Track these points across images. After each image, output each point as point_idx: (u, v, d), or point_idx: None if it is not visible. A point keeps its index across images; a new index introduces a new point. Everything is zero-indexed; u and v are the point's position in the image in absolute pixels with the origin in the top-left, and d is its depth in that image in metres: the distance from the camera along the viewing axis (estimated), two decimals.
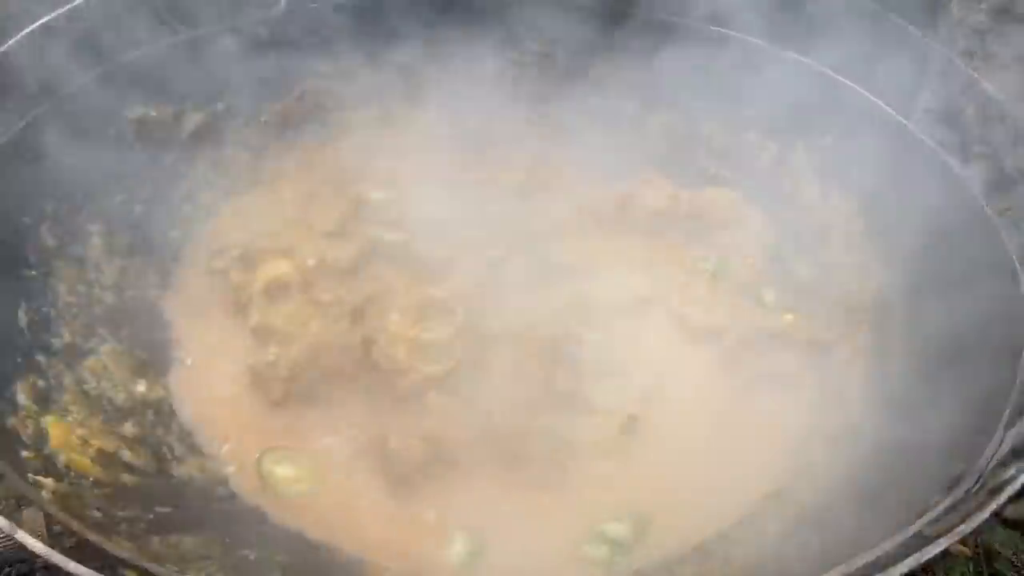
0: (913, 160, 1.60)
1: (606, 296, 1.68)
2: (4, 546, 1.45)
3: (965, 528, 0.96)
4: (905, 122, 1.64)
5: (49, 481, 1.15)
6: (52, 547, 0.97)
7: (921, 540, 0.99)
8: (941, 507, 1.05)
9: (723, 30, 1.82)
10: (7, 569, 1.42)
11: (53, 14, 1.55)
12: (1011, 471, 0.95)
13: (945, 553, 1.21)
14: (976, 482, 1.07)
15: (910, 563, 0.93)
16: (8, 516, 1.00)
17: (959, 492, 1.07)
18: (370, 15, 1.88)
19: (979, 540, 1.54)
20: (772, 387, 1.57)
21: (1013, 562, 1.53)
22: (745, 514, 1.38)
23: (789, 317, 1.69)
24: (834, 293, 1.70)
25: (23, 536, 0.98)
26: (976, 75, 1.55)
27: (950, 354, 1.37)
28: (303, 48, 1.85)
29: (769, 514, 1.38)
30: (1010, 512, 0.92)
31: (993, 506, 0.92)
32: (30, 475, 1.15)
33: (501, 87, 1.95)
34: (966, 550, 1.56)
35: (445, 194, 1.77)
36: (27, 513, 1.06)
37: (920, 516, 1.04)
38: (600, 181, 1.89)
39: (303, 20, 1.83)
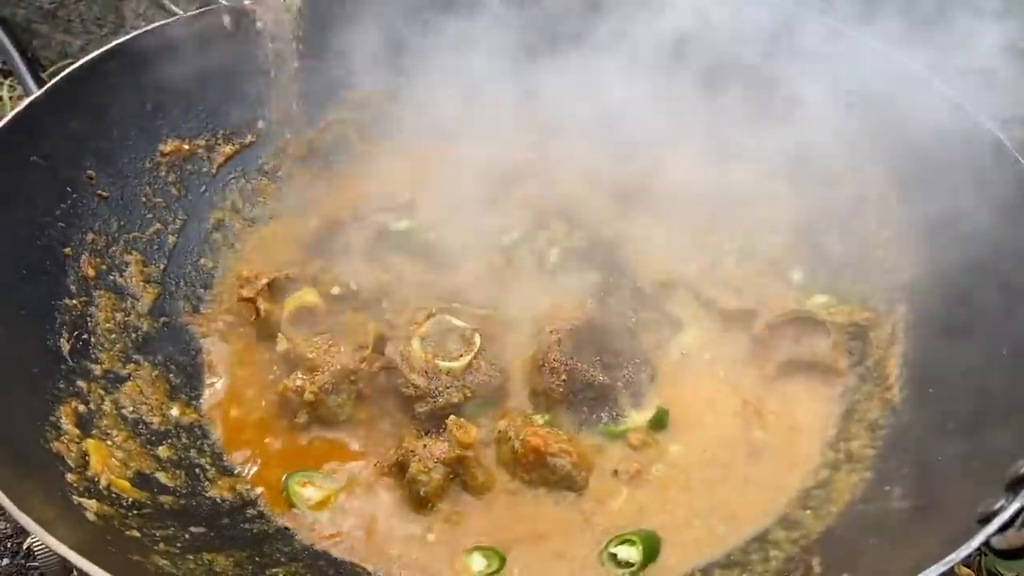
0: (949, 125, 1.48)
1: (627, 281, 1.67)
2: (44, 561, 1.52)
3: None
4: (939, 84, 1.53)
5: (93, 503, 1.22)
6: (97, 564, 1.03)
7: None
8: (1007, 513, 0.98)
9: None
10: None
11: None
12: (1000, 502, 0.98)
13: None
14: None
15: None
16: (54, 534, 1.05)
17: None
18: (392, 48, 1.95)
19: (982, 562, 1.57)
20: (804, 375, 1.53)
21: None
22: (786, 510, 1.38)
23: (821, 298, 1.62)
24: (869, 271, 1.60)
25: (66, 552, 1.03)
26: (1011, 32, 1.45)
27: (1000, 333, 1.28)
28: (326, 81, 1.93)
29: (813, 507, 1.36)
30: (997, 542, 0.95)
31: (982, 537, 0.95)
32: (74, 497, 1.21)
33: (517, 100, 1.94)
34: (969, 572, 1.59)
35: (467, 221, 1.80)
36: (71, 533, 1.12)
37: (983, 522, 0.98)
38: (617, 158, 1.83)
39: (325, 53, 1.89)
